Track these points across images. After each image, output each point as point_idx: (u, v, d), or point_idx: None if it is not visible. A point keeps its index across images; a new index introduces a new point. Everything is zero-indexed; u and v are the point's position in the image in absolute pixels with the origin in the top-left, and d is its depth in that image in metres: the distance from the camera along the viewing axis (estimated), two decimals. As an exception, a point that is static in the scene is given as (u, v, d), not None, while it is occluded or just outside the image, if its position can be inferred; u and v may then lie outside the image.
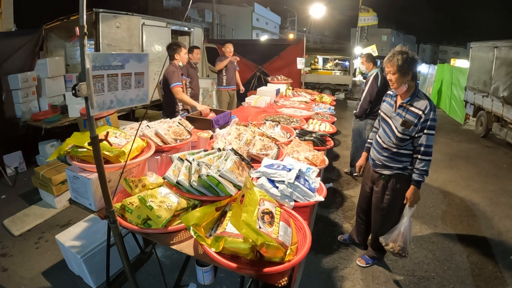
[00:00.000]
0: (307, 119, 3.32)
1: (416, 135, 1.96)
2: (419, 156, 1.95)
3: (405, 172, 2.07)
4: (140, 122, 1.74)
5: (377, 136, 2.23)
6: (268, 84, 5.62)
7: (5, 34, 4.72)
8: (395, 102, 2.09)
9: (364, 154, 2.45)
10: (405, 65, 1.88)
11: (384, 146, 2.11)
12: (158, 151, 1.90)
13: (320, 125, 3.12)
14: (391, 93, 2.17)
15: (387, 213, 2.23)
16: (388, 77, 2.00)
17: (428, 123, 1.90)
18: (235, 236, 1.15)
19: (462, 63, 14.14)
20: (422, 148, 1.93)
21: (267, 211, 1.23)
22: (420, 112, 1.91)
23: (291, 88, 5.33)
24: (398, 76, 1.93)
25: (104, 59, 1.17)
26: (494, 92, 6.32)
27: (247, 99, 4.37)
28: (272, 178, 1.58)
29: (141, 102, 1.40)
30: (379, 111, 2.24)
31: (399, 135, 2.00)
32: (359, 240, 2.65)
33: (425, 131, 1.91)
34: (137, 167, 1.75)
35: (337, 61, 13.07)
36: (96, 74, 1.14)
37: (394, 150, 2.06)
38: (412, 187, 2.01)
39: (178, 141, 2.01)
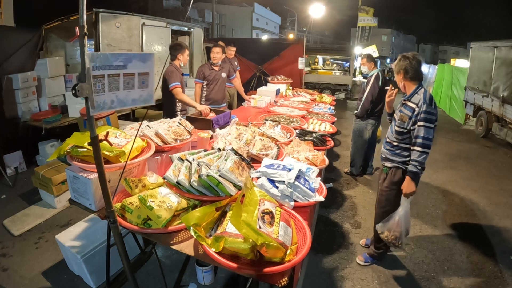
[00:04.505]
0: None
1: (412, 128, 2.04)
2: (415, 148, 2.00)
3: (404, 166, 2.15)
4: (140, 122, 1.74)
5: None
6: (268, 84, 5.61)
7: (6, 31, 4.68)
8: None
9: None
10: (397, 65, 2.15)
11: (388, 139, 2.27)
12: (158, 151, 1.90)
13: (320, 125, 3.12)
14: None
15: (385, 205, 2.29)
16: None
17: (422, 115, 1.96)
18: (235, 236, 1.14)
19: (462, 63, 14.13)
20: (418, 140, 1.98)
21: (267, 211, 1.23)
22: (414, 106, 2.02)
23: (291, 88, 5.32)
24: (396, 74, 2.20)
25: (105, 59, 1.16)
26: (494, 92, 6.33)
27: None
28: (272, 178, 1.58)
29: (145, 103, 1.38)
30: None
31: (396, 128, 2.14)
32: None
33: (420, 123, 1.97)
34: (137, 167, 1.75)
35: (333, 61, 13.17)
36: (96, 74, 1.14)
37: (395, 143, 2.19)
38: (407, 177, 2.06)
39: (178, 141, 2.01)
